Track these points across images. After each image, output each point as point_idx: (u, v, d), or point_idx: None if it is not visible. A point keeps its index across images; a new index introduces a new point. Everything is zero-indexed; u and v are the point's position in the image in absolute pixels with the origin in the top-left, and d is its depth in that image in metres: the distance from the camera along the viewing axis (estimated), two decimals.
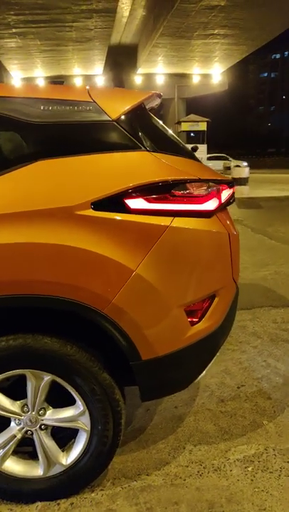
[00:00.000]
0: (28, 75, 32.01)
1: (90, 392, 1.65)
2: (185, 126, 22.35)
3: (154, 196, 1.61)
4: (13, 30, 22.67)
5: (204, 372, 1.91)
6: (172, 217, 1.62)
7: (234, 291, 1.95)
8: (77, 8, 19.32)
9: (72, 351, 1.61)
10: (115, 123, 1.68)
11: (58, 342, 1.61)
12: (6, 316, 1.61)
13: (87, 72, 32.82)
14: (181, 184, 1.65)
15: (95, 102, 1.70)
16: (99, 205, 1.55)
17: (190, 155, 1.94)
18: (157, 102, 2.20)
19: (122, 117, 1.69)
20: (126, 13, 24.39)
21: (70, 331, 1.65)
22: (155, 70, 31.19)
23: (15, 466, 1.75)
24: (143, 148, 1.68)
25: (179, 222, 1.63)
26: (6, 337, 1.58)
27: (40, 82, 33.14)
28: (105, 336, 1.62)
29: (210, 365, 1.93)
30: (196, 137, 23.13)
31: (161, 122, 2.02)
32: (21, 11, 20.14)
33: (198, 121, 22.16)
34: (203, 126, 22.07)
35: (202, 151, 19.72)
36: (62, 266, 1.53)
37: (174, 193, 1.63)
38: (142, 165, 1.66)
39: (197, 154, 2.37)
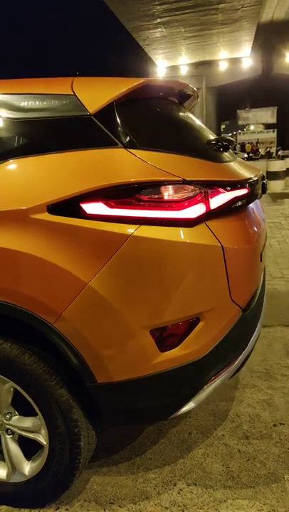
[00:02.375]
0: (172, 63, 32.49)
1: (46, 406, 1.54)
2: None
3: (116, 200, 1.38)
4: (158, 21, 23.15)
5: (192, 404, 1.63)
6: (137, 225, 1.38)
7: (235, 315, 1.60)
8: None
9: (29, 361, 1.52)
10: (93, 117, 1.50)
11: (17, 349, 1.53)
12: None
13: (233, 55, 31.87)
14: (150, 187, 1.39)
15: (75, 94, 1.53)
16: (55, 208, 1.40)
17: (200, 152, 1.65)
18: (188, 90, 1.92)
19: (102, 111, 1.50)
20: None
21: (28, 341, 1.55)
22: None
23: None
24: (120, 144, 1.46)
25: (145, 231, 1.38)
26: None
27: (184, 69, 33.37)
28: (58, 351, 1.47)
29: (203, 396, 1.65)
30: None
31: (169, 112, 1.76)
32: (165, 0, 20.39)
33: None
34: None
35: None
36: (10, 271, 1.43)
37: (139, 198, 1.38)
38: (110, 164, 1.44)
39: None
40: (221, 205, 1.50)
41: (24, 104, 1.57)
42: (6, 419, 1.66)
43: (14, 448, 1.68)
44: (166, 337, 1.47)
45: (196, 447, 2.04)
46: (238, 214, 1.65)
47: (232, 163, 1.82)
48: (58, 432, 1.55)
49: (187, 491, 1.79)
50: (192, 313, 1.48)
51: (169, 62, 32.60)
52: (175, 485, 1.82)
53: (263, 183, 2.00)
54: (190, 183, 1.44)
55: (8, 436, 1.67)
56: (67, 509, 1.70)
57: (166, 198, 1.40)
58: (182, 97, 2.14)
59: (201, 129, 2.01)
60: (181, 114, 1.95)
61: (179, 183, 1.43)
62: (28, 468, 1.67)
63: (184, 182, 1.43)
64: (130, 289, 1.40)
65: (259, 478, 1.85)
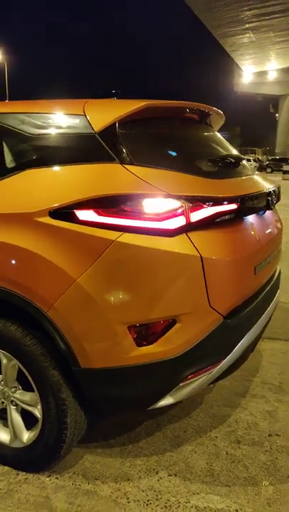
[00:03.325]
0: (259, 68, 31.84)
1: (41, 384, 1.79)
2: None
3: (104, 210, 1.59)
4: (246, 26, 22.85)
5: (171, 400, 1.78)
6: (121, 233, 1.57)
7: (214, 321, 1.71)
8: None
9: (29, 343, 1.77)
10: (97, 135, 1.72)
11: (21, 332, 1.79)
12: None
13: None
14: (136, 199, 1.58)
15: (85, 115, 1.77)
16: (55, 213, 1.65)
17: (196, 169, 1.81)
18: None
19: (105, 130, 1.72)
20: None
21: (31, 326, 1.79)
22: None
23: None
24: (117, 160, 1.67)
25: (127, 238, 1.58)
26: None
27: (272, 75, 32.51)
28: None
29: (184, 393, 1.79)
30: None
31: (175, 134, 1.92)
32: (254, 5, 20.11)
33: None
34: None
35: None
36: (16, 264, 1.70)
37: (124, 208, 1.58)
38: (105, 177, 1.66)
39: None
40: (202, 219, 1.64)
41: (43, 121, 1.83)
42: (12, 392, 1.94)
43: (17, 418, 1.95)
44: (142, 334, 1.64)
45: (186, 444, 2.17)
46: (227, 227, 1.76)
47: (235, 179, 1.94)
48: (49, 408, 1.79)
49: (166, 480, 1.93)
50: (168, 315, 1.64)
51: (256, 68, 32.02)
52: (157, 473, 1.97)
53: (268, 199, 2.07)
54: (174, 197, 1.60)
55: (12, 407, 1.95)
56: (57, 477, 1.94)
57: (148, 209, 1.58)
58: (203, 115, 2.28)
59: (213, 146, 2.15)
60: (190, 132, 2.10)
61: (163, 197, 1.59)
62: (26, 436, 1.93)
63: (169, 196, 1.60)
64: (112, 288, 1.60)
65: (238, 479, 1.94)
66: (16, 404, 1.95)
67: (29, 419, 1.95)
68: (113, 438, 2.21)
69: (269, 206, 2.10)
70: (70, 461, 2.04)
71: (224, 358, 1.83)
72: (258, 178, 2.22)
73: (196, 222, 1.63)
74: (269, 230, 2.17)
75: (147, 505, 1.80)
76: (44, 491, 1.87)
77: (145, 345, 1.65)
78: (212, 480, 1.94)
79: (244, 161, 2.30)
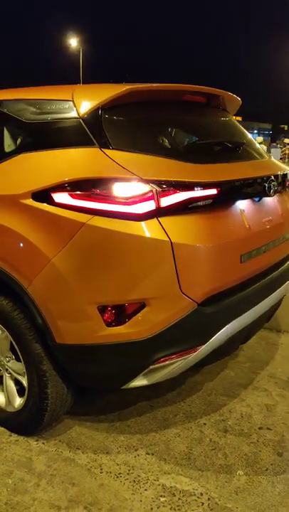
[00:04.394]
0: None
1: (26, 355, 1.93)
2: None
3: (78, 193, 1.67)
4: None
5: (144, 381, 1.84)
6: (91, 216, 1.64)
7: (186, 307, 1.72)
8: None
9: (17, 317, 1.92)
10: (81, 120, 1.79)
11: (11, 306, 1.94)
12: None
13: None
14: (108, 182, 1.63)
15: (72, 100, 1.84)
16: (36, 196, 1.76)
17: (179, 153, 1.82)
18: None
19: (88, 114, 1.78)
20: None
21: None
22: None
23: None
24: (96, 144, 1.73)
25: (97, 221, 1.64)
26: None
27: None
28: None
29: (158, 376, 1.84)
30: None
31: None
32: None
33: None
34: None
35: None
36: (3, 242, 1.84)
37: (95, 191, 1.64)
38: (82, 161, 1.73)
39: None
40: (173, 204, 1.65)
41: (37, 107, 1.94)
42: (6, 361, 2.10)
43: (11, 384, 2.12)
44: (111, 315, 1.71)
45: (173, 427, 2.21)
46: (205, 213, 1.75)
47: (224, 164, 1.91)
48: (32, 378, 1.94)
49: (143, 457, 2.00)
50: (137, 298, 1.69)
51: None
52: (136, 450, 2.04)
53: (266, 185, 2.01)
54: (145, 181, 1.63)
55: (7, 375, 2.12)
56: (43, 443, 2.09)
57: (118, 193, 1.63)
58: (210, 97, 2.25)
59: (210, 130, 2.11)
60: (186, 115, 2.08)
61: (135, 181, 1.63)
62: (17, 402, 2.10)
63: (140, 180, 1.63)
64: (82, 269, 1.68)
65: (213, 466, 1.95)
66: (10, 373, 2.11)
67: (23, 388, 2.11)
68: (104, 414, 2.31)
69: (266, 193, 2.04)
70: (59, 430, 2.18)
71: (201, 346, 1.84)
72: (261, 163, 2.15)
73: (166, 207, 1.64)
74: (268, 218, 2.10)
75: (117, 477, 1.88)
76: (29, 452, 2.02)
77: (114, 325, 1.71)
78: (187, 463, 1.97)
79: (253, 146, 2.24)
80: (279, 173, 2.16)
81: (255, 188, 1.97)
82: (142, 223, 1.63)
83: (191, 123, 2.10)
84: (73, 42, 34.43)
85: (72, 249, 1.68)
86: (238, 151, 2.08)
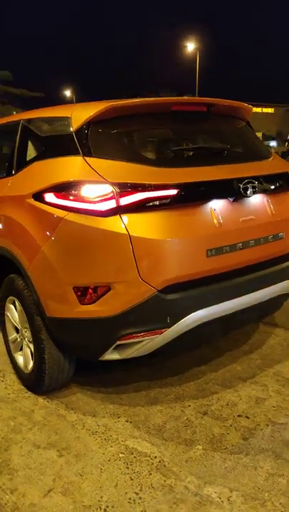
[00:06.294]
0: None
1: (32, 326, 2.39)
2: None
3: (59, 193, 2.07)
4: None
5: (116, 356, 2.16)
6: (67, 212, 2.03)
7: (146, 292, 1.99)
8: None
9: (27, 294, 2.40)
10: (73, 133, 2.19)
11: (22, 285, 2.43)
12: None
13: None
14: (80, 184, 2.00)
15: (70, 117, 2.25)
16: (34, 196, 2.22)
17: (150, 159, 2.11)
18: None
19: (79, 129, 2.18)
20: None
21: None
22: None
23: (20, 358, 2.74)
24: (81, 153, 2.12)
25: (71, 216, 2.03)
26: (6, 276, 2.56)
27: None
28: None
29: (129, 352, 2.14)
30: None
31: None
32: None
33: None
34: None
35: None
36: (16, 233, 2.33)
37: (70, 192, 2.02)
38: (67, 167, 2.13)
39: None
40: (132, 203, 1.95)
41: (49, 124, 2.40)
42: (24, 331, 2.59)
43: (27, 351, 2.60)
44: (83, 294, 2.07)
45: (159, 404, 2.47)
46: (167, 210, 2.01)
47: (193, 168, 2.14)
48: (35, 345, 2.38)
49: (121, 423, 2.30)
50: (103, 281, 2.02)
51: None
52: (118, 417, 2.36)
53: (241, 186, 2.17)
54: (109, 183, 1.96)
55: (24, 343, 2.61)
56: (48, 401, 2.52)
57: (86, 193, 1.99)
58: (210, 106, 2.46)
59: (191, 137, 2.34)
60: (169, 124, 2.34)
61: (101, 183, 1.97)
62: (30, 365, 2.56)
63: (106, 182, 1.97)
64: (61, 256, 2.09)
65: (177, 438, 2.17)
66: (26, 342, 2.60)
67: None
68: (105, 387, 2.66)
69: (243, 193, 2.20)
70: (64, 393, 2.59)
71: (166, 329, 2.08)
72: (247, 165, 2.30)
73: (125, 205, 1.95)
74: (248, 217, 2.25)
75: (93, 434, 2.22)
76: (34, 406, 2.48)
77: (86, 304, 2.07)
78: (156, 433, 2.22)
79: (250, 148, 2.39)
80: (264, 173, 2.29)
81: (226, 189, 2.15)
82: (105, 219, 1.96)
83: (169, 131, 2.35)
84: (190, 46, 33.72)
85: (55, 239, 2.08)
86: (221, 154, 2.27)
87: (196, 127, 2.46)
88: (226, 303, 2.20)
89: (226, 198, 2.19)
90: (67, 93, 47.93)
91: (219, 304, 2.18)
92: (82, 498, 1.82)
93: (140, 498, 1.81)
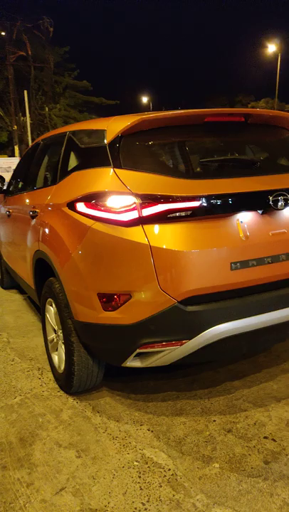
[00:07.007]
0: None
1: (64, 328, 2.50)
2: None
3: (88, 203, 2.15)
4: None
5: (138, 363, 2.19)
6: (94, 221, 2.11)
7: (165, 302, 2.00)
8: None
9: (61, 297, 2.51)
10: (107, 146, 2.27)
11: (59, 289, 2.55)
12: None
13: None
14: (106, 195, 2.07)
15: (106, 129, 2.33)
16: (68, 205, 2.32)
17: (176, 171, 2.12)
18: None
19: (112, 141, 2.25)
20: None
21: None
22: None
23: (55, 357, 2.87)
24: (112, 165, 2.19)
25: (97, 225, 2.10)
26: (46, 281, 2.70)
27: None
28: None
29: (150, 361, 2.17)
30: None
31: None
32: None
33: None
34: None
35: None
36: (51, 239, 2.45)
37: (97, 202, 2.09)
38: (97, 178, 2.20)
39: None
40: (154, 214, 1.97)
41: (87, 136, 2.50)
42: (60, 332, 2.71)
43: (61, 351, 2.71)
44: (107, 301, 2.12)
45: (184, 416, 2.44)
46: (191, 221, 2.00)
47: (221, 180, 2.10)
48: (66, 347, 2.48)
49: (142, 431, 2.32)
50: (124, 290, 2.06)
51: None
52: (141, 425, 2.37)
53: (270, 198, 2.09)
54: (134, 194, 2.00)
55: (59, 343, 2.73)
56: (77, 402, 2.61)
57: (111, 203, 2.04)
58: (247, 117, 2.41)
59: (222, 149, 2.29)
60: (201, 137, 2.32)
61: (126, 194, 2.02)
62: (62, 366, 2.67)
63: (130, 193, 2.01)
64: (88, 263, 2.16)
65: (196, 454, 2.13)
66: (61, 342, 2.72)
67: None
68: (135, 394, 2.69)
69: (273, 206, 2.11)
70: (94, 396, 2.67)
71: (187, 340, 2.06)
72: (277, 177, 2.21)
73: (148, 216, 1.97)
74: (279, 231, 2.16)
75: (114, 439, 2.26)
76: (63, 405, 2.58)
77: (110, 310, 2.12)
78: (175, 445, 2.20)
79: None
80: None
81: (254, 201, 2.08)
82: (128, 229, 2.00)
83: (209, 143, 2.32)
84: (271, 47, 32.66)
85: (84, 247, 2.16)
86: (253, 165, 2.21)
87: (232, 138, 2.41)
88: (250, 318, 2.12)
89: (254, 210, 2.12)
90: (144, 99, 48.88)
91: (243, 319, 2.11)
92: (90, 500, 1.86)
93: (146, 509, 1.81)
